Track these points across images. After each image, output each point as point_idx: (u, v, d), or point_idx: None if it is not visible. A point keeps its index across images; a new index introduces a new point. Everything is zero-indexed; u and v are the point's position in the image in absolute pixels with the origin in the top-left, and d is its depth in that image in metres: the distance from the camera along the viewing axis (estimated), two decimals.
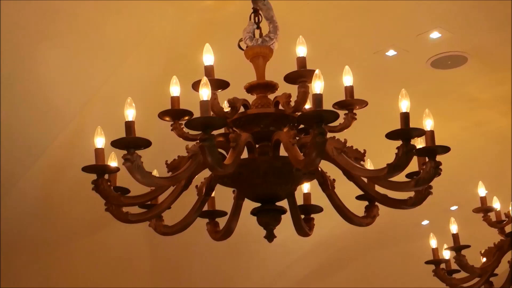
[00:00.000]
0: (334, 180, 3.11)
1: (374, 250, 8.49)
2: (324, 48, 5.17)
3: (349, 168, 2.93)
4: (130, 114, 2.81)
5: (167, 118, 3.03)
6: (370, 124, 4.72)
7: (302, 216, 3.18)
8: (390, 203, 3.03)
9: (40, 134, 5.65)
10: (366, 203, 3.14)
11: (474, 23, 5.24)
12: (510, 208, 4.83)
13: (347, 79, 3.05)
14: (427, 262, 4.64)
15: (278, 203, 3.06)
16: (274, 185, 3.01)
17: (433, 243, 4.69)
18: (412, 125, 2.74)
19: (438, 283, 4.71)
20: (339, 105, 3.05)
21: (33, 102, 5.38)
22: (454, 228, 4.69)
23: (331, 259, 8.42)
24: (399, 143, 2.73)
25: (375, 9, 5.01)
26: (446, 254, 4.74)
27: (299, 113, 2.96)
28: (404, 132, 2.72)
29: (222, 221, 3.23)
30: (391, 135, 2.72)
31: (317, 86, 2.64)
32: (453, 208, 7.61)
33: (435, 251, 4.68)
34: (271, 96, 3.11)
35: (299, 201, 3.21)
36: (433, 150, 2.79)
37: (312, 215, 3.28)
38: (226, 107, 3.06)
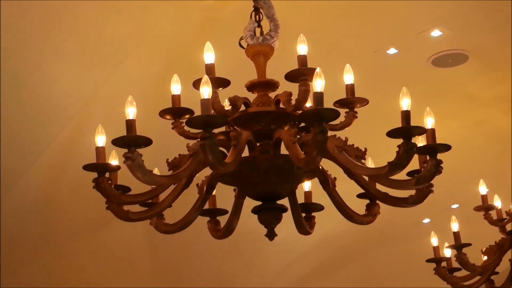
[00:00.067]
0: (335, 178, 3.10)
1: (375, 249, 8.49)
2: (325, 46, 5.17)
3: (350, 166, 2.92)
4: (131, 112, 2.80)
5: (168, 117, 3.03)
6: (371, 122, 4.73)
7: (303, 215, 3.18)
8: (391, 201, 3.03)
9: (40, 132, 5.65)
10: (367, 201, 3.14)
11: (475, 21, 5.24)
12: (511, 206, 4.83)
13: (348, 77, 3.05)
14: (428, 261, 4.64)
15: (279, 202, 3.06)
16: (275, 183, 3.01)
17: (434, 241, 4.69)
18: (412, 123, 2.74)
19: (439, 281, 4.71)
20: (340, 103, 3.05)
21: (33, 101, 5.37)
22: (455, 226, 4.69)
23: (332, 258, 8.42)
24: (400, 141, 2.72)
25: (376, 7, 5.01)
26: (447, 253, 4.75)
27: (300, 112, 2.96)
28: (405, 130, 2.72)
29: (223, 220, 3.23)
30: (392, 133, 2.72)
31: (318, 84, 2.64)
32: (454, 206, 7.61)
33: (436, 249, 4.68)
34: (272, 95, 3.11)
35: (300, 199, 3.21)
36: (434, 148, 2.79)
37: (313, 214, 3.28)
38: (227, 106, 3.06)
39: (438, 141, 2.82)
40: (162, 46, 5.20)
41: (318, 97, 2.61)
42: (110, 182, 2.88)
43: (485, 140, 6.84)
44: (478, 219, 4.83)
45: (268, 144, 3.02)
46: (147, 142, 2.75)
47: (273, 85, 3.12)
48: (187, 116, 2.99)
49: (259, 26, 3.27)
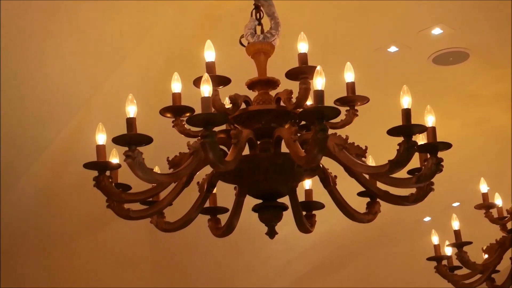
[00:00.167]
0: (335, 176, 3.10)
1: (376, 247, 8.49)
2: (325, 45, 5.16)
3: (350, 164, 2.92)
4: (131, 110, 2.80)
5: (168, 115, 3.03)
6: (372, 120, 4.73)
7: (304, 213, 3.18)
8: (392, 200, 3.03)
9: (41, 131, 5.65)
10: (368, 199, 3.13)
11: (475, 19, 5.24)
12: None
13: (349, 76, 3.05)
14: (429, 259, 4.64)
15: (279, 200, 3.06)
16: (276, 181, 3.01)
17: (435, 239, 4.69)
18: (413, 121, 2.73)
19: (440, 279, 4.71)
20: (341, 101, 3.05)
21: (33, 100, 5.38)
22: (456, 224, 4.68)
23: (333, 256, 8.42)
24: (400, 139, 2.72)
25: (377, 5, 5.01)
26: (448, 251, 4.74)
27: (300, 110, 2.96)
28: (406, 128, 2.71)
29: (223, 218, 3.23)
30: (392, 132, 2.72)
31: (318, 82, 2.64)
32: (455, 204, 7.61)
33: (437, 247, 4.67)
34: (273, 93, 3.11)
35: (301, 197, 3.21)
36: (434, 147, 2.79)
37: (314, 212, 3.28)
38: (227, 104, 3.05)
39: (438, 139, 2.82)
40: (162, 45, 5.20)
41: (319, 95, 2.61)
42: (110, 180, 2.88)
43: (486, 139, 6.84)
44: (479, 217, 4.82)
45: (268, 142, 3.02)
46: (147, 140, 2.75)
47: (273, 83, 3.12)
48: (188, 114, 2.99)
49: (260, 24, 3.27)
